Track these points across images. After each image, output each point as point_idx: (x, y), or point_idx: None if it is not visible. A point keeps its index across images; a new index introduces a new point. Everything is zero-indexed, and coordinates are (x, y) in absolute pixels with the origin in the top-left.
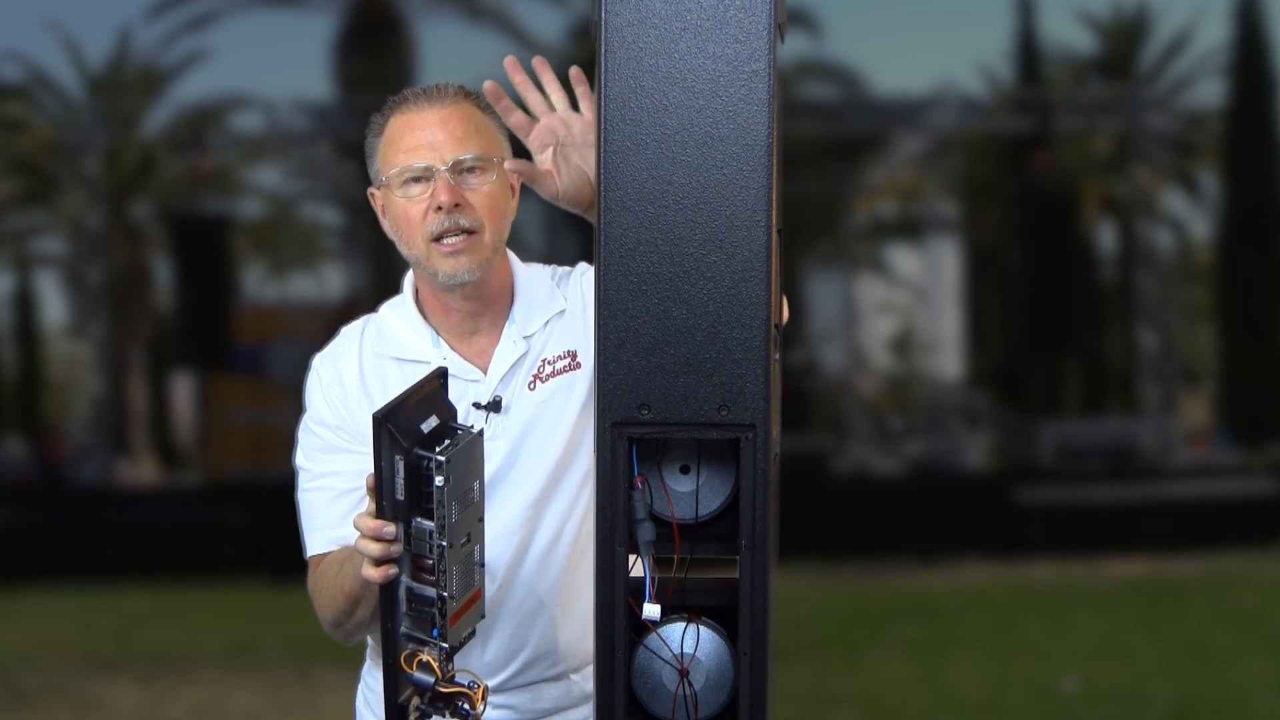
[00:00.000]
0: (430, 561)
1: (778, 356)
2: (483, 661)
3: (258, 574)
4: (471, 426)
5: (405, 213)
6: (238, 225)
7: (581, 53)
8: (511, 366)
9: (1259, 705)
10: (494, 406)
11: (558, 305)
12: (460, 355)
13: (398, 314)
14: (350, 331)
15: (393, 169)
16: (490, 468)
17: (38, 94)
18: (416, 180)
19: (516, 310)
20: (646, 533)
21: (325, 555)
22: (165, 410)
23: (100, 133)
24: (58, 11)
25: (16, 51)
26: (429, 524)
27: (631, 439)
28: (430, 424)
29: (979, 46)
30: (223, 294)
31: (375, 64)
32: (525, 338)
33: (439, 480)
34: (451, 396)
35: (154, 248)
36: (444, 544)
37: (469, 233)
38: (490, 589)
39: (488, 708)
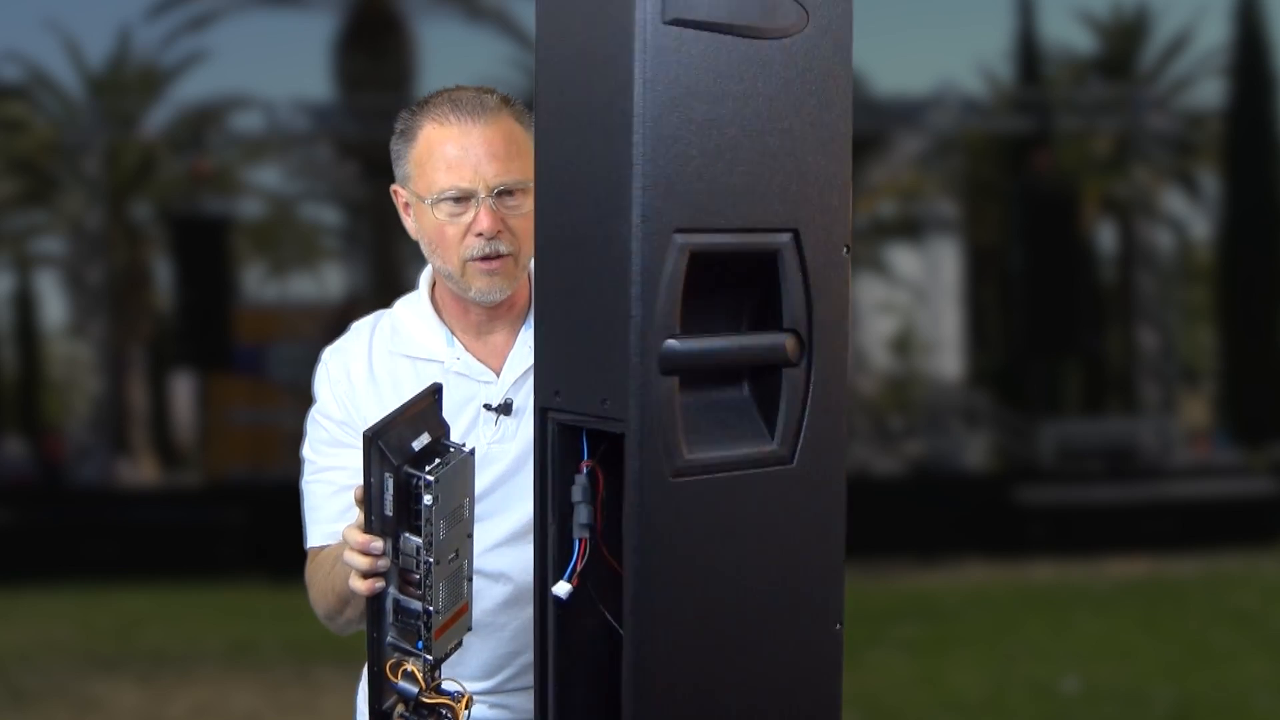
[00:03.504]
0: (417, 576)
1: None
2: (479, 663)
3: (258, 574)
4: (463, 445)
5: (441, 230)
6: (238, 225)
7: None
8: (526, 371)
9: (1259, 705)
10: (504, 409)
11: None
12: (474, 355)
13: (413, 311)
14: (361, 327)
15: (431, 188)
16: (497, 470)
17: (38, 94)
18: (456, 201)
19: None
20: (582, 515)
21: (323, 549)
22: (165, 410)
23: (100, 133)
24: (58, 11)
25: (16, 51)
26: (417, 540)
27: (556, 422)
28: (421, 441)
29: (979, 46)
30: (223, 294)
31: (375, 64)
32: None
33: (427, 499)
34: (462, 396)
35: (154, 248)
36: (431, 560)
37: (506, 256)
38: (498, 591)
39: (485, 709)
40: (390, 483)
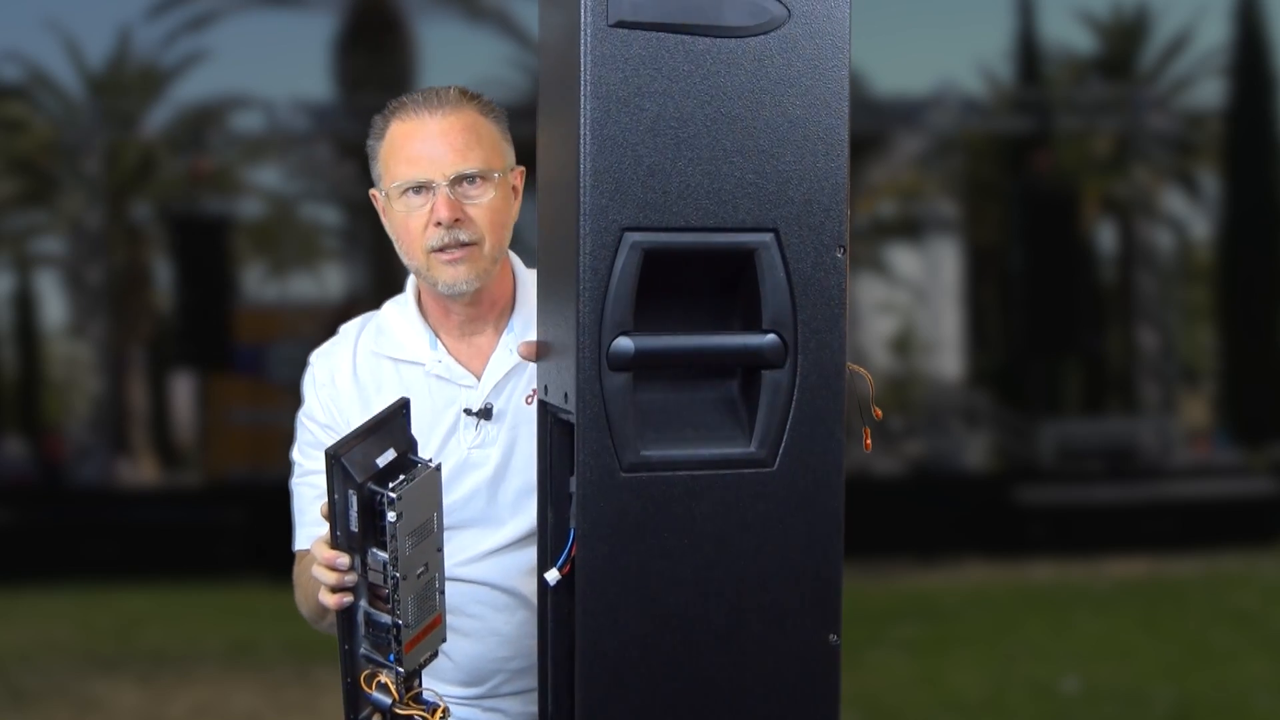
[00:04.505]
0: (386, 591)
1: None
2: (473, 668)
3: (258, 574)
4: (430, 460)
5: (405, 224)
6: (238, 225)
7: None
8: (506, 375)
9: (1259, 705)
10: (484, 414)
11: None
12: (456, 359)
13: (399, 313)
14: (349, 329)
15: (393, 181)
16: (481, 476)
17: (38, 94)
18: (416, 192)
19: (516, 318)
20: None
21: (308, 551)
22: (165, 410)
23: (100, 133)
24: (58, 11)
25: (16, 51)
26: (383, 555)
27: (552, 415)
28: (387, 457)
29: (979, 46)
30: (223, 294)
31: (375, 64)
32: None
33: (391, 516)
34: (444, 400)
35: (154, 248)
36: (398, 576)
37: (468, 245)
38: (489, 598)
39: (480, 713)
40: (354, 499)
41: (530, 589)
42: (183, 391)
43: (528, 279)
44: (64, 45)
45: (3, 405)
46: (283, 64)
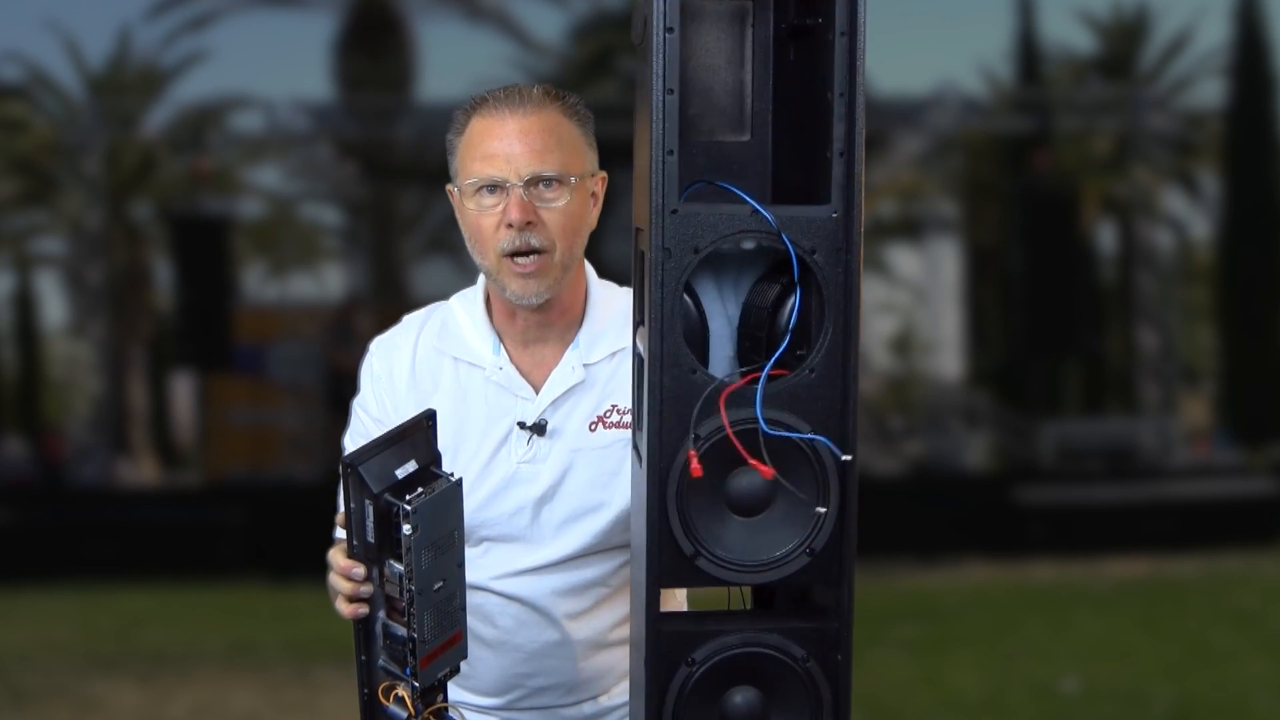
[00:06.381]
0: (403, 604)
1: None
2: (494, 678)
3: (258, 574)
4: (451, 474)
5: (477, 223)
6: (238, 225)
7: (582, 53)
8: (566, 392)
9: (1259, 705)
10: (538, 429)
11: (627, 340)
12: (517, 368)
13: (465, 311)
14: (412, 321)
15: (467, 178)
16: (528, 493)
17: (38, 94)
18: (490, 191)
19: (582, 334)
20: None
21: None
22: (165, 410)
23: (100, 133)
24: (58, 11)
25: (16, 51)
26: (400, 568)
27: None
28: (407, 469)
29: (979, 46)
30: (223, 294)
31: (375, 64)
32: (585, 365)
33: (406, 529)
34: (500, 409)
35: (154, 248)
36: (413, 589)
37: (540, 252)
38: (518, 614)
39: None
40: (370, 510)
41: (561, 610)
42: (183, 391)
43: (599, 291)
44: (64, 45)
45: (3, 405)
46: (283, 64)
